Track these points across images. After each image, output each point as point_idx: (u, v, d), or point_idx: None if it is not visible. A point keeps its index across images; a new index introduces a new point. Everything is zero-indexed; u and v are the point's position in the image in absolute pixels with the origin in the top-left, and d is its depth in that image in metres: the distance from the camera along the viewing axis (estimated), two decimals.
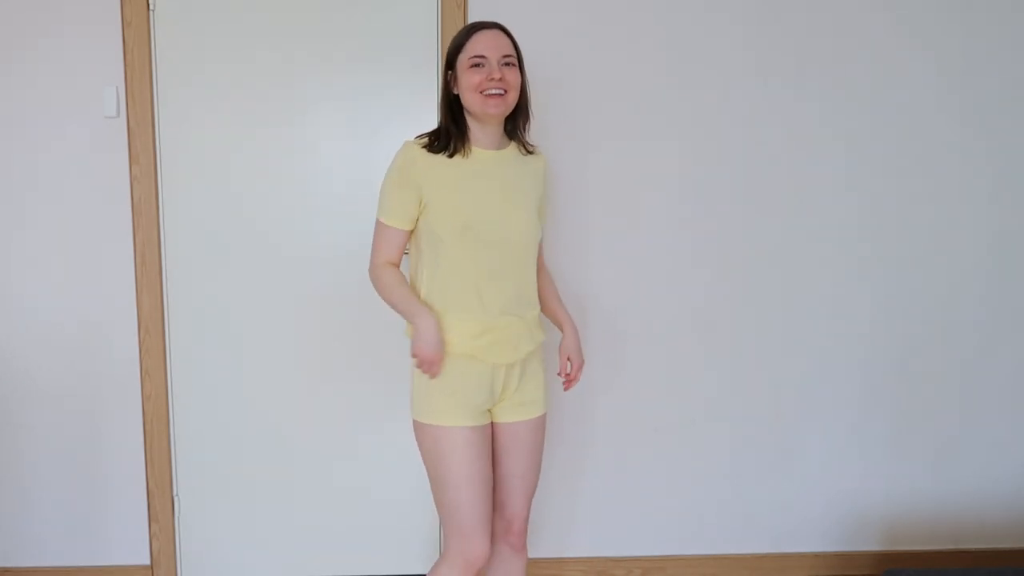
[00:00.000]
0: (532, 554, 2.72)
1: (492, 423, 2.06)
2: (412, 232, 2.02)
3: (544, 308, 2.18)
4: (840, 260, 2.66)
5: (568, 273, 2.61)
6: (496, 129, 2.00)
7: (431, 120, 2.54)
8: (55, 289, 2.56)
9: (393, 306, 2.00)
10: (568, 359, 2.15)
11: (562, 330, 2.17)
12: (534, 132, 2.54)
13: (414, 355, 1.94)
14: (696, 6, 2.54)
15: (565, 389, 2.17)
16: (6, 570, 2.65)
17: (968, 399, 2.73)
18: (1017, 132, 2.63)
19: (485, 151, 1.99)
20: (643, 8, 2.54)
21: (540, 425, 2.10)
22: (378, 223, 2.01)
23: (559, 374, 2.16)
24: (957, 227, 2.67)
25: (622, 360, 2.66)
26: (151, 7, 2.49)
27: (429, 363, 1.94)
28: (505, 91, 1.91)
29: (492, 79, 1.90)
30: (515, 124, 2.03)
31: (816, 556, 2.78)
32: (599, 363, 2.66)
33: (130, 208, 2.54)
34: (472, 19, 2.49)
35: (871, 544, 2.78)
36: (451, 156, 1.96)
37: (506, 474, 2.09)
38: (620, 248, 2.62)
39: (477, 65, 1.91)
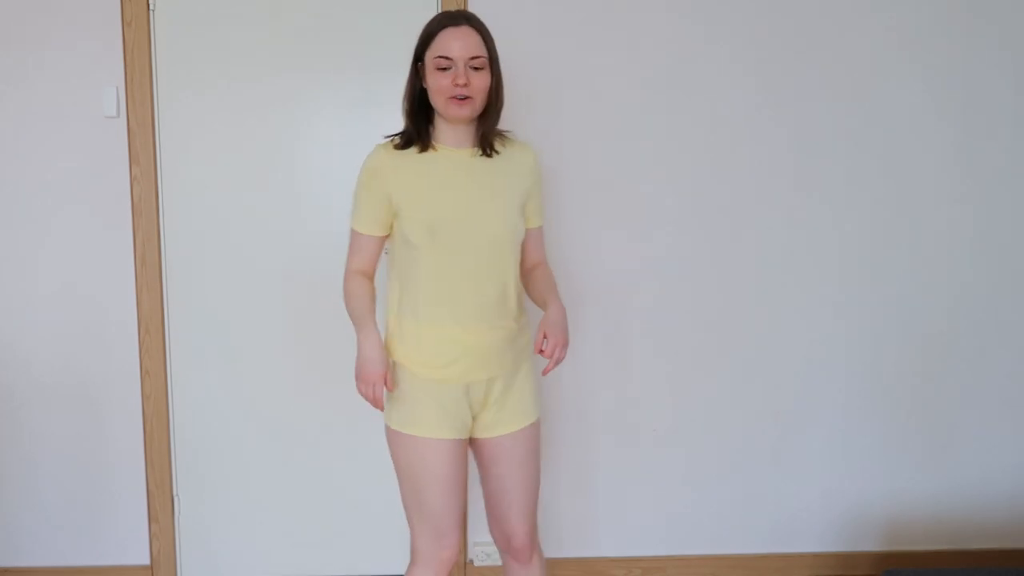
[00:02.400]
0: None
1: (474, 437, 2.00)
2: (387, 238, 1.97)
3: (533, 296, 2.04)
4: (840, 261, 2.66)
5: (566, 276, 2.61)
6: (466, 127, 1.91)
7: None
8: (55, 289, 2.57)
9: (349, 316, 1.94)
10: (544, 335, 1.89)
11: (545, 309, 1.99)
12: (538, 131, 2.54)
13: (355, 375, 1.90)
14: (697, 7, 2.54)
15: (543, 373, 1.96)
16: (6, 570, 2.66)
17: (967, 399, 2.73)
18: (1017, 134, 2.63)
19: (455, 149, 1.92)
20: (644, 8, 2.54)
21: (528, 436, 2.00)
22: (351, 230, 1.96)
23: (536, 352, 1.91)
24: (955, 229, 2.66)
25: (621, 361, 2.66)
26: (151, 7, 2.49)
27: (366, 383, 1.88)
28: (470, 96, 1.84)
29: (458, 84, 1.81)
30: (482, 127, 1.91)
31: (815, 556, 2.78)
32: (598, 364, 2.66)
33: (130, 208, 2.54)
34: None
35: (870, 544, 2.78)
36: (421, 152, 1.91)
37: (496, 489, 2.03)
38: (618, 251, 2.62)
39: (444, 68, 1.83)
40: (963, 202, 2.65)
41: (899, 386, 2.72)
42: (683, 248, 2.63)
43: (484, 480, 2.05)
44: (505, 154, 1.96)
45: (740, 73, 2.57)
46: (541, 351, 1.89)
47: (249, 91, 2.53)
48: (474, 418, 1.98)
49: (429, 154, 1.92)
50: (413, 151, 1.92)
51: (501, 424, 1.97)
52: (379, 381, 1.89)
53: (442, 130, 1.92)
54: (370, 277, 2.00)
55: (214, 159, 2.56)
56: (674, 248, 2.63)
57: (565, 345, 1.91)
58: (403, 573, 2.72)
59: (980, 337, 2.71)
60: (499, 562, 2.69)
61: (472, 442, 2.02)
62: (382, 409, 1.94)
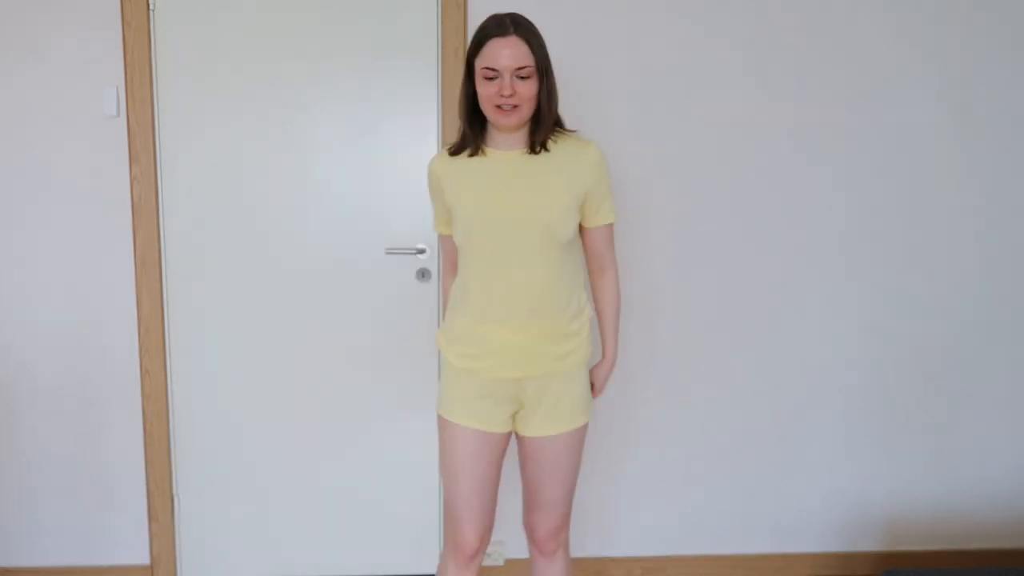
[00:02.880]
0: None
1: (517, 431, 2.05)
2: None
3: (598, 319, 2.12)
4: (841, 261, 2.66)
5: None
6: (518, 132, 1.94)
7: (432, 120, 2.55)
8: (55, 289, 2.56)
9: None
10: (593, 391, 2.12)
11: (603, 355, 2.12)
12: None
13: None
14: (696, 7, 2.54)
15: None
16: (6, 570, 2.66)
17: (967, 399, 2.74)
18: (1014, 135, 2.63)
19: (506, 152, 1.94)
20: (643, 9, 2.54)
21: (567, 441, 2.02)
22: None
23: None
24: (956, 228, 2.67)
25: (622, 360, 2.66)
26: (151, 7, 2.49)
27: None
28: (516, 105, 1.85)
29: (503, 95, 1.83)
30: (535, 129, 1.92)
31: (816, 556, 2.78)
32: None
33: (130, 208, 2.54)
34: (472, 19, 2.49)
35: (871, 544, 2.79)
36: (471, 156, 1.95)
37: (528, 482, 2.10)
38: (618, 251, 2.61)
39: (490, 78, 1.84)
40: (964, 202, 2.66)
41: (899, 386, 2.72)
42: (682, 248, 2.63)
43: (522, 470, 2.11)
44: (558, 151, 1.95)
45: (740, 72, 2.57)
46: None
47: (249, 90, 2.53)
48: (514, 414, 2.03)
49: (479, 158, 1.96)
50: (466, 155, 1.97)
51: (541, 426, 2.01)
52: None
53: (493, 135, 1.95)
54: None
55: (214, 159, 2.56)
56: (673, 247, 2.63)
57: (599, 394, 2.15)
58: (405, 573, 2.73)
59: (980, 337, 2.71)
60: (500, 562, 2.71)
61: (516, 434, 2.07)
62: None
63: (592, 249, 2.06)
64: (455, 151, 1.98)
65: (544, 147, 1.92)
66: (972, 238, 2.67)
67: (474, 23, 2.48)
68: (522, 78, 1.84)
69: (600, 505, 2.73)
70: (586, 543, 2.74)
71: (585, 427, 2.06)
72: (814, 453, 2.74)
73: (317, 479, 2.69)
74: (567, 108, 2.56)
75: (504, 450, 2.06)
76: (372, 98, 2.55)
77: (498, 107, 1.86)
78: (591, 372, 2.10)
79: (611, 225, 2.05)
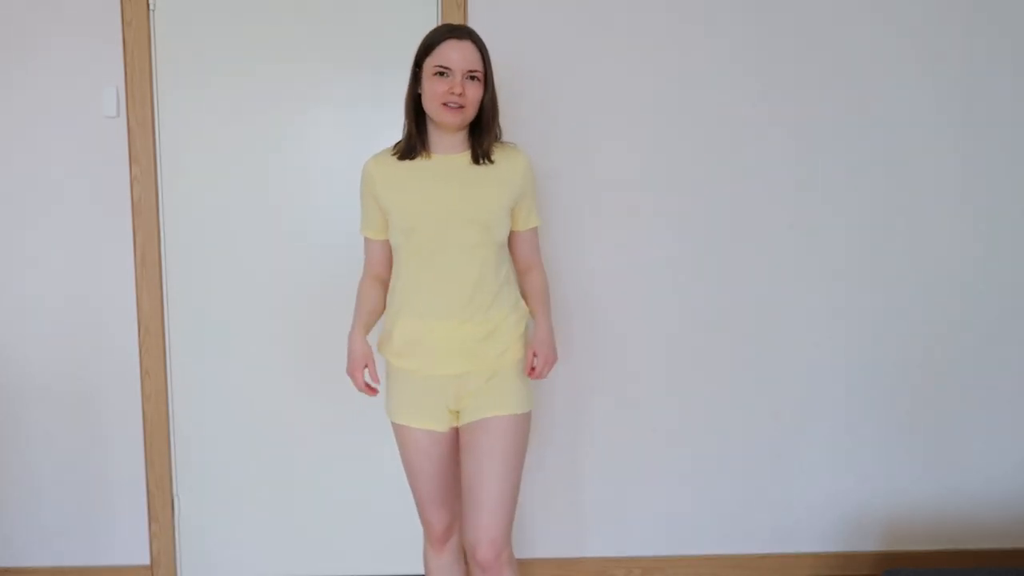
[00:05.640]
0: (532, 555, 2.72)
1: (458, 428, 2.04)
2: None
3: (527, 304, 2.12)
4: (840, 261, 2.66)
5: (568, 275, 2.61)
6: (455, 135, 1.99)
7: None
8: (55, 289, 2.56)
9: None
10: (534, 353, 2.02)
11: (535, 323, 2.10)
12: (535, 133, 2.54)
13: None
14: (696, 7, 2.54)
15: (531, 377, 2.05)
16: (6, 570, 2.66)
17: (967, 399, 2.73)
18: (1017, 135, 2.63)
19: (444, 156, 2.00)
20: (643, 9, 2.54)
21: (500, 429, 1.96)
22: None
23: (527, 372, 2.04)
24: (956, 229, 2.66)
25: (622, 361, 2.66)
26: (151, 7, 2.49)
27: (348, 373, 2.06)
28: (463, 106, 1.92)
29: (453, 92, 1.90)
30: (478, 138, 1.99)
31: (816, 556, 2.78)
32: (599, 364, 2.66)
33: (130, 208, 2.54)
34: (472, 19, 2.49)
35: (871, 544, 2.78)
36: (412, 159, 2.00)
37: (466, 481, 1.99)
38: (619, 251, 2.62)
39: (441, 74, 1.91)
40: (965, 202, 2.65)
41: (899, 386, 2.72)
42: (684, 248, 2.63)
43: (462, 470, 2.03)
44: (495, 159, 2.02)
45: (740, 73, 2.57)
46: (532, 369, 2.04)
47: (250, 90, 2.53)
48: (459, 412, 2.04)
49: (418, 160, 2.01)
50: (405, 158, 2.01)
51: (478, 409, 2.00)
52: (355, 372, 2.05)
53: (433, 138, 2.01)
54: (382, 279, 2.12)
55: (214, 159, 2.56)
56: (675, 248, 2.63)
57: (553, 362, 2.07)
58: (402, 573, 2.73)
59: (981, 337, 2.71)
60: None
61: (458, 431, 2.06)
62: (369, 394, 2.08)
63: (520, 252, 2.13)
64: (403, 154, 2.01)
65: (488, 159, 1.99)
66: (974, 239, 2.67)
67: (474, 23, 2.49)
68: (472, 78, 1.92)
69: (600, 505, 2.73)
70: (586, 543, 2.74)
71: (524, 421, 2.02)
72: (814, 453, 2.73)
73: (316, 479, 2.69)
74: (566, 110, 2.57)
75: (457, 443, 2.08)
76: (372, 97, 2.56)
77: (445, 104, 1.91)
78: (532, 345, 2.04)
79: (536, 229, 2.13)
